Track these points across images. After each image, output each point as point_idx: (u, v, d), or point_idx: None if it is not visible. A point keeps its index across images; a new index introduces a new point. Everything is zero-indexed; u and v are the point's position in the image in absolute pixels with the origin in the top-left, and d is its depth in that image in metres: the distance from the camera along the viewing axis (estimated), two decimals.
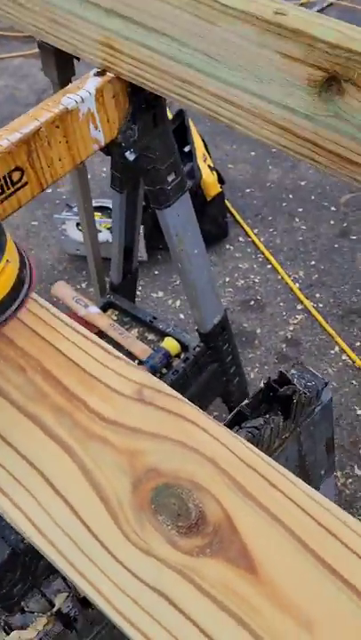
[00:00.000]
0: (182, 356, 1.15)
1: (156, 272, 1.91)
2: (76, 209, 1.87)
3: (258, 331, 1.75)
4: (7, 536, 0.95)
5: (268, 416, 0.56)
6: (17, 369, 0.44)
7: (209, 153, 2.00)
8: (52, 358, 0.45)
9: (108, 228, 1.78)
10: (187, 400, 0.42)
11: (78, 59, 0.83)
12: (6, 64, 2.80)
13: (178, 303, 1.81)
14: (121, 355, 0.45)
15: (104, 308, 1.24)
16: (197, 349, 1.13)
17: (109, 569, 0.36)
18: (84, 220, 1.26)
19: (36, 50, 2.76)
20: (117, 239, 1.12)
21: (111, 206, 1.85)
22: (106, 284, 1.47)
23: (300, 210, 2.10)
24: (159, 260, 1.94)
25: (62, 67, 0.88)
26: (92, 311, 1.20)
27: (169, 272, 1.90)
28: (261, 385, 0.59)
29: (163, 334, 1.18)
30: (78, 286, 1.89)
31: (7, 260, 0.46)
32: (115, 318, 1.24)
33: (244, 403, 0.58)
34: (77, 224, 1.85)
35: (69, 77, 0.92)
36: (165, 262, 1.92)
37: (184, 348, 1.16)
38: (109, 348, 0.46)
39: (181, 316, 1.78)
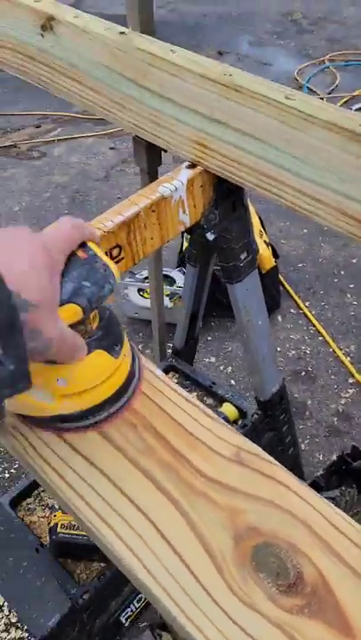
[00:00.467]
0: (240, 422, 1.19)
1: (210, 338, 1.98)
2: (138, 276, 1.99)
3: (308, 402, 1.76)
4: (68, 590, 0.98)
5: (343, 488, 0.59)
6: (130, 425, 0.50)
7: (265, 229, 2.11)
8: (159, 418, 0.50)
9: (167, 295, 1.88)
10: (280, 465, 0.47)
11: (165, 150, 0.94)
12: (80, 142, 3.07)
13: (229, 369, 1.86)
14: (220, 418, 0.51)
15: (166, 371, 1.30)
16: (255, 417, 1.17)
17: (216, 617, 0.39)
18: (154, 287, 1.35)
19: (107, 130, 3.05)
20: (186, 307, 1.20)
21: (171, 274, 1.96)
22: (166, 347, 1.54)
23: (352, 286, 2.16)
24: (213, 327, 2.01)
25: (152, 158, 1.00)
26: (157, 373, 1.26)
27: (222, 339, 1.96)
28: (334, 457, 0.63)
29: (221, 399, 1.23)
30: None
31: (124, 355, 0.51)
32: (175, 381, 1.30)
33: (318, 474, 0.62)
34: (138, 290, 1.96)
35: (157, 167, 1.04)
36: (219, 329, 1.99)
37: (242, 414, 1.19)
38: (209, 411, 0.51)
39: (233, 382, 1.82)
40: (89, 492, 0.46)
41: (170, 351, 1.58)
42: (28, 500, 1.11)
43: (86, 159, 2.96)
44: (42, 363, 0.45)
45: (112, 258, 0.79)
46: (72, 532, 0.97)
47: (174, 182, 0.83)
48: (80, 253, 0.45)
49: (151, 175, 1.06)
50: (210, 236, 0.93)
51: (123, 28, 0.86)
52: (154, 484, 0.46)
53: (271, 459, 0.47)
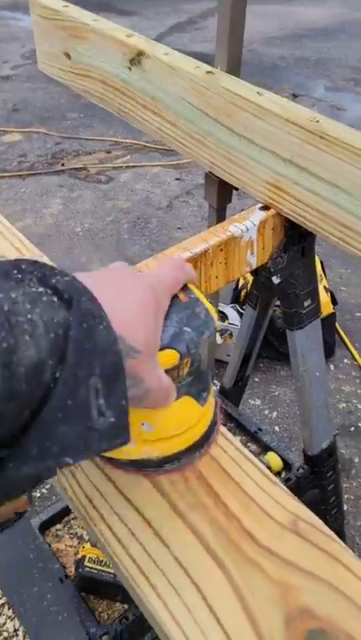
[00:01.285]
0: (283, 474, 1.13)
1: (257, 380, 1.93)
2: None
3: (356, 460, 1.68)
4: (88, 627, 0.94)
5: None
6: (180, 476, 0.47)
7: (325, 274, 2.06)
8: (212, 471, 0.47)
9: (218, 331, 1.85)
10: (342, 543, 0.43)
11: (237, 189, 0.93)
12: (146, 171, 3.14)
13: (275, 415, 1.80)
14: (277, 480, 0.47)
15: None
16: (301, 471, 1.11)
17: None
18: None
19: (174, 162, 3.10)
20: (240, 347, 1.17)
21: (224, 310, 1.94)
22: (212, 385, 1.52)
23: None
24: (261, 369, 1.96)
25: (223, 196, 0.99)
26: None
27: (269, 382, 1.91)
28: None
29: (266, 447, 1.18)
30: None
31: (210, 402, 0.50)
32: None
33: None
34: None
35: (227, 204, 1.03)
36: (267, 371, 1.94)
37: (287, 466, 1.14)
38: (267, 471, 0.48)
39: (277, 428, 1.76)
40: (133, 543, 0.43)
41: (215, 388, 1.55)
42: (58, 527, 1.08)
43: (151, 187, 3.02)
44: None
45: None
46: (99, 567, 0.94)
47: (246, 222, 0.81)
48: (182, 296, 0.44)
49: (219, 212, 1.05)
50: (275, 280, 0.90)
51: (210, 68, 0.86)
52: (202, 544, 0.43)
53: (332, 534, 0.43)
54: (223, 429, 0.51)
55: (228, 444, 0.50)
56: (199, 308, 0.44)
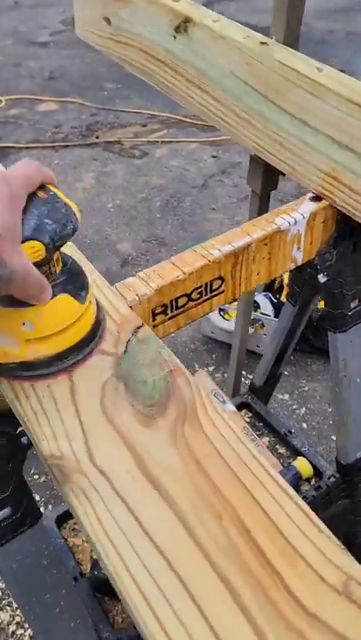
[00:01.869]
0: (313, 481, 1.07)
1: (286, 373, 1.86)
2: None
3: None
4: (100, 630, 0.91)
5: None
6: (211, 512, 0.41)
7: None
8: (249, 510, 0.41)
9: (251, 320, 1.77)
10: None
11: (283, 174, 0.85)
12: (182, 147, 3.03)
13: (303, 411, 1.73)
14: (325, 528, 0.41)
15: (239, 408, 1.21)
16: (332, 479, 1.05)
17: None
18: (242, 313, 1.26)
19: (211, 138, 2.98)
20: (275, 344, 1.10)
21: (256, 299, 1.86)
22: (241, 377, 1.45)
23: None
24: (291, 362, 1.89)
25: (268, 181, 0.91)
26: (228, 408, 1.16)
27: (299, 376, 1.83)
28: None
29: (296, 452, 1.12)
30: (206, 368, 1.89)
31: (90, 301, 0.51)
32: (247, 420, 1.20)
33: None
34: (220, 309, 1.87)
35: (270, 191, 0.95)
36: (297, 365, 1.87)
37: (317, 473, 1.08)
38: (313, 515, 0.41)
39: (304, 425, 1.69)
40: (155, 593, 0.37)
41: (244, 380, 1.48)
42: (75, 520, 1.04)
43: (186, 164, 2.92)
44: (7, 306, 0.45)
45: (211, 290, 0.71)
46: None
47: (295, 214, 0.73)
48: (40, 193, 0.45)
49: (262, 199, 0.97)
50: (321, 278, 0.82)
51: (264, 38, 0.77)
52: (235, 602, 0.37)
53: None
54: (267, 465, 0.44)
55: (265, 476, 0.43)
56: (59, 202, 0.45)
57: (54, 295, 0.48)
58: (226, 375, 1.87)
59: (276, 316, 1.79)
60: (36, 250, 0.44)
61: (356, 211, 0.72)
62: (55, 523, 1.02)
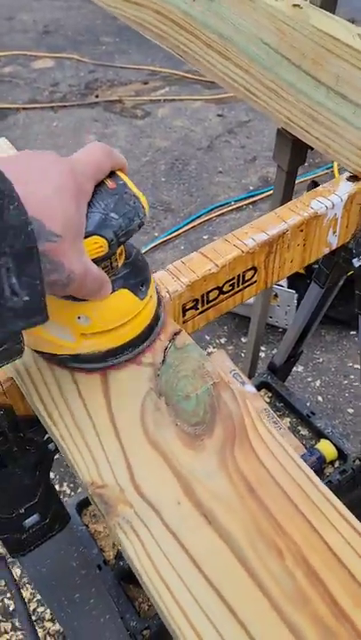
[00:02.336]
0: (338, 464, 1.05)
1: None
2: None
3: None
4: (127, 620, 0.90)
5: None
6: (274, 550, 0.38)
7: None
8: (315, 550, 0.38)
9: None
10: None
11: (311, 148, 0.79)
12: (186, 105, 2.90)
13: (318, 383, 1.71)
14: None
15: (259, 387, 1.18)
16: (358, 463, 1.03)
17: None
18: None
19: (217, 96, 2.85)
20: (298, 324, 1.06)
21: None
22: (259, 352, 1.41)
23: None
24: None
25: (296, 157, 0.85)
26: (248, 389, 1.14)
27: (313, 347, 1.80)
28: None
29: (319, 434, 1.09)
30: (217, 340, 1.85)
31: (150, 296, 0.48)
32: (267, 401, 1.18)
33: None
34: None
35: (298, 166, 0.89)
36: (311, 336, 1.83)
37: (341, 455, 1.06)
38: None
39: (320, 398, 1.67)
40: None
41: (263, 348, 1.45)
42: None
43: (190, 124, 2.80)
44: (63, 298, 0.43)
45: (243, 282, 0.67)
46: None
47: (332, 197, 0.68)
48: (109, 183, 0.42)
49: (289, 175, 0.91)
50: (356, 262, 0.77)
51: (298, 0, 0.70)
52: None
53: None
54: (336, 501, 0.41)
55: (326, 506, 0.40)
56: (128, 194, 0.42)
57: (114, 290, 0.45)
58: (237, 347, 1.84)
59: (290, 286, 1.74)
60: (98, 246, 0.40)
61: None
62: (76, 509, 1.01)
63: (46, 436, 0.59)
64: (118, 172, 0.43)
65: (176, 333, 0.51)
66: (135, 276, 0.47)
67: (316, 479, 0.41)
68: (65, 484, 1.50)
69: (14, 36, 3.46)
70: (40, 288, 0.35)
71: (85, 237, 0.40)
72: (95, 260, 0.41)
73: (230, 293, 0.66)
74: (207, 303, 0.65)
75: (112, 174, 0.43)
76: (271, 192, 2.44)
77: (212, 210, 2.34)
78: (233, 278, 0.65)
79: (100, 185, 0.41)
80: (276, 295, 1.76)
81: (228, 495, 0.41)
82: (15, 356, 0.40)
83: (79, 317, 0.45)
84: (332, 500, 0.40)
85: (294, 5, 0.69)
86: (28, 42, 3.40)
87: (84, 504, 1.02)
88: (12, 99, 2.97)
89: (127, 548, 0.39)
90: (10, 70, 3.19)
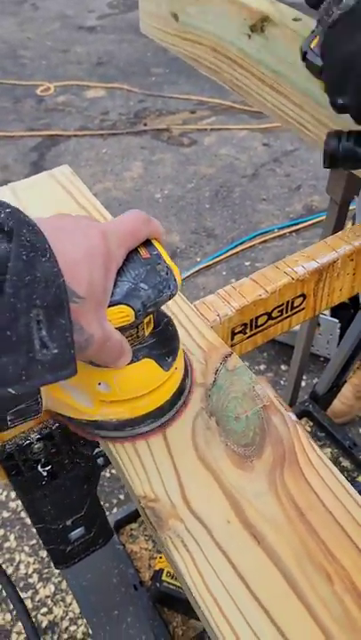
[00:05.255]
0: None
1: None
2: None
3: None
4: None
5: None
6: (323, 574, 0.39)
7: None
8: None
9: None
10: None
11: None
12: (232, 134, 2.96)
13: None
14: None
15: (300, 416, 1.17)
16: None
17: None
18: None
19: (263, 125, 2.87)
20: (343, 352, 1.06)
21: None
22: (301, 381, 1.41)
23: None
24: None
25: (350, 189, 0.86)
26: (290, 418, 1.13)
27: None
28: None
29: None
30: (256, 367, 1.85)
31: (175, 368, 0.47)
32: (308, 430, 1.17)
33: None
34: None
35: (351, 198, 0.90)
36: None
37: None
38: None
39: None
40: None
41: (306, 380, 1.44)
42: (133, 526, 1.04)
43: (236, 153, 2.85)
44: (85, 363, 0.42)
45: (292, 308, 0.68)
46: (177, 583, 0.88)
47: None
48: (142, 252, 0.41)
49: (342, 209, 0.92)
50: None
51: None
52: None
53: None
54: None
55: None
56: (160, 265, 0.41)
57: (138, 359, 0.44)
58: (277, 375, 1.83)
59: (333, 315, 1.73)
60: (124, 315, 0.40)
61: None
62: (114, 528, 1.02)
63: (96, 451, 0.61)
64: (154, 241, 0.42)
65: (227, 356, 0.53)
66: (162, 347, 0.45)
67: None
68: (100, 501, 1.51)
69: (68, 67, 3.63)
70: (70, 340, 0.34)
71: (112, 305, 0.39)
72: (120, 329, 0.40)
73: (279, 319, 0.67)
74: (256, 328, 0.66)
75: (147, 243, 0.42)
76: (315, 220, 2.45)
77: (255, 237, 2.36)
78: (282, 304, 0.66)
79: (133, 252, 0.41)
80: (318, 324, 1.75)
81: (277, 517, 0.41)
82: (31, 416, 0.40)
83: (100, 384, 0.44)
84: None
85: None
86: (81, 73, 3.56)
87: (121, 523, 1.03)
88: (65, 126, 3.10)
89: (178, 561, 0.40)
90: (63, 99, 3.33)
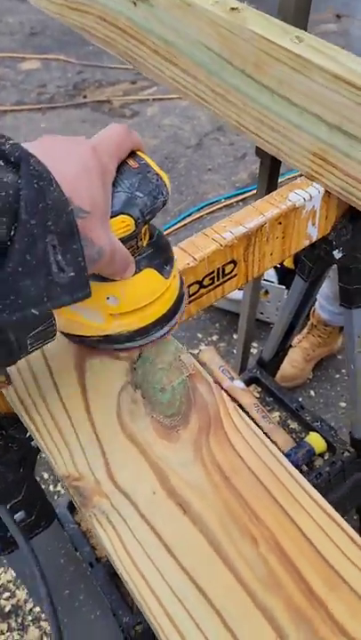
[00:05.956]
0: (327, 456, 1.06)
1: None
2: None
3: None
4: (120, 616, 0.91)
5: None
6: (248, 537, 0.39)
7: None
8: (288, 535, 0.39)
9: None
10: None
11: None
12: (175, 104, 2.90)
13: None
14: None
15: (248, 383, 1.18)
16: (346, 454, 1.03)
17: None
18: (251, 284, 1.22)
19: None
20: (285, 318, 1.07)
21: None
22: (250, 348, 1.41)
23: None
24: None
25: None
26: (237, 385, 1.14)
27: None
28: None
29: (308, 427, 1.10)
30: (209, 338, 1.86)
31: (174, 276, 0.49)
32: (257, 396, 1.18)
33: None
34: None
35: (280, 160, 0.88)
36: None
37: (330, 448, 1.06)
38: (354, 535, 0.39)
39: (312, 392, 1.68)
40: (196, 635, 0.35)
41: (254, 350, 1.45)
42: None
43: (180, 123, 2.80)
44: (92, 281, 0.42)
45: (223, 275, 0.67)
46: None
47: (310, 189, 0.68)
48: (131, 162, 0.42)
49: (271, 168, 0.91)
50: (336, 254, 0.78)
51: (236, 3, 0.66)
52: (276, 633, 0.35)
53: None
54: (307, 484, 0.41)
55: (301, 494, 0.41)
56: (150, 173, 0.43)
57: (139, 270, 0.45)
58: (229, 344, 1.84)
59: (280, 282, 1.74)
60: (125, 225, 0.41)
61: (351, 195, 0.66)
62: (67, 509, 1.01)
63: (28, 434, 0.59)
64: (138, 152, 0.44)
65: None
66: (159, 256, 0.47)
67: (290, 466, 0.41)
68: (59, 484, 1.50)
69: (0, 38, 3.45)
70: (83, 264, 0.36)
71: (113, 217, 0.40)
72: (122, 240, 0.42)
73: (210, 287, 0.66)
74: (188, 297, 0.65)
75: (133, 154, 0.43)
76: None
77: (202, 208, 2.34)
78: (213, 272, 0.65)
79: (122, 165, 0.42)
80: (266, 291, 1.76)
81: (202, 484, 0.41)
82: (49, 339, 0.41)
83: (108, 298, 0.45)
84: (305, 486, 0.40)
85: (232, 9, 0.65)
86: (14, 44, 3.40)
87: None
88: (0, 101, 2.97)
89: (103, 538, 0.40)
90: None
